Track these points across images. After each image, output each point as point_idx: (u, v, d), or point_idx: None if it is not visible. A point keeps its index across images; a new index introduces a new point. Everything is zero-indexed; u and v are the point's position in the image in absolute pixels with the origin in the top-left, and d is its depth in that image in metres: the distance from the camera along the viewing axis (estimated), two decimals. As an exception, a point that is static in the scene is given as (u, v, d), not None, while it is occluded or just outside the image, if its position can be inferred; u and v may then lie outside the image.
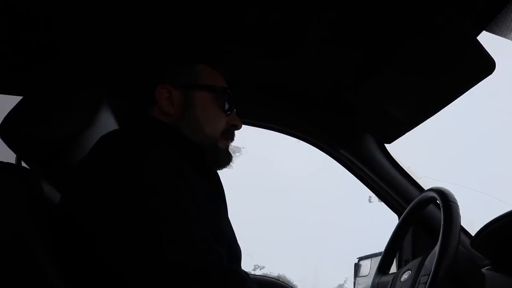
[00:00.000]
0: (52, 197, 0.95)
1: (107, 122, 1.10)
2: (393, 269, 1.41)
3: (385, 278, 1.29)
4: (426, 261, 1.10)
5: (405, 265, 1.24)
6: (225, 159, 1.10)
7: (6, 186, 0.85)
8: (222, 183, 1.10)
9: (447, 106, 1.25)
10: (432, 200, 1.21)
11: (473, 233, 1.23)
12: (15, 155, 1.11)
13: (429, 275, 0.97)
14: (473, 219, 1.49)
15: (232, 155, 1.12)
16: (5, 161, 0.93)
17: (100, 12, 1.18)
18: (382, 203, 1.76)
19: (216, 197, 1.03)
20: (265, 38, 1.27)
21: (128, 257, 0.77)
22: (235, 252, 1.01)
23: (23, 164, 1.09)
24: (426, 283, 0.97)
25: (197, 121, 1.05)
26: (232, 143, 1.14)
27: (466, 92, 1.16)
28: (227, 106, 1.09)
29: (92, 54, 1.37)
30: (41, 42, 1.30)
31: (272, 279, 1.87)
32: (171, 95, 1.05)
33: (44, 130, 0.97)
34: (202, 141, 1.04)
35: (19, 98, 1.02)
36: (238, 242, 1.05)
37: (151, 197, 0.80)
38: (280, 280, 1.88)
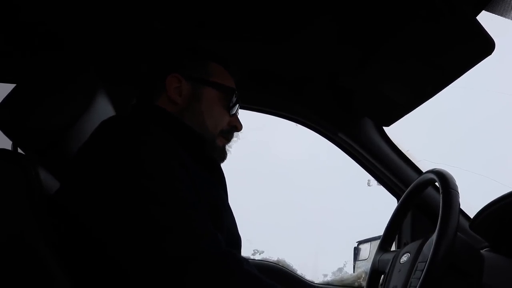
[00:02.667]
0: (49, 184, 0.94)
1: (103, 108, 1.09)
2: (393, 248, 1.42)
3: (386, 256, 1.30)
4: (424, 247, 1.10)
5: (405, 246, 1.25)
6: (220, 156, 1.12)
7: (2, 172, 0.84)
8: (223, 170, 1.11)
9: (446, 88, 1.25)
10: (431, 182, 1.21)
11: (472, 216, 1.22)
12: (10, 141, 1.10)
13: (426, 262, 0.97)
14: (472, 201, 1.49)
15: (228, 152, 1.15)
16: (1, 147, 0.92)
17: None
18: (381, 186, 1.76)
19: (216, 184, 1.03)
20: (264, 24, 1.25)
21: (125, 243, 0.77)
22: (235, 239, 1.01)
23: (19, 150, 1.08)
24: (422, 270, 0.97)
25: (201, 115, 1.07)
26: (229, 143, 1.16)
27: (468, 74, 1.15)
28: (232, 106, 1.12)
29: (90, 42, 1.35)
30: (35, 28, 1.28)
31: (272, 263, 1.88)
32: (180, 85, 1.08)
33: (39, 117, 0.97)
34: (202, 134, 1.06)
35: (11, 86, 1.01)
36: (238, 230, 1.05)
37: (150, 182, 0.80)
38: (280, 264, 1.89)
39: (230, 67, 1.15)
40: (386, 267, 1.25)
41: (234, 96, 1.12)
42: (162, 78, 1.07)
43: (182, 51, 1.14)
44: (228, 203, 1.05)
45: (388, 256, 1.28)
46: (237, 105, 1.14)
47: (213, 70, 1.12)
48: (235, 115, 1.15)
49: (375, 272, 1.33)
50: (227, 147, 1.15)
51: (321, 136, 1.71)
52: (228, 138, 1.14)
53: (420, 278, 0.96)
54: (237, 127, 1.14)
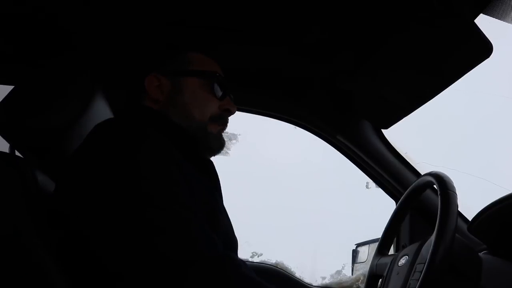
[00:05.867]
0: (47, 187, 0.94)
1: (101, 111, 1.09)
2: (392, 252, 1.42)
3: (383, 260, 1.29)
4: (423, 248, 1.10)
5: (403, 249, 1.25)
6: (216, 144, 1.09)
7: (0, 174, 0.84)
8: (218, 173, 1.10)
9: (444, 90, 1.25)
10: (429, 184, 1.21)
11: (470, 218, 1.22)
12: (8, 144, 1.10)
13: (424, 263, 0.97)
14: (470, 203, 1.49)
15: (227, 141, 1.12)
16: (-1, 150, 0.92)
17: (99, 3, 1.16)
18: (380, 189, 1.77)
19: (211, 186, 1.02)
20: (263, 26, 1.25)
21: (121, 246, 0.76)
22: (231, 242, 1.01)
23: (17, 153, 1.08)
24: (421, 271, 0.97)
25: (185, 107, 1.06)
26: (227, 130, 1.13)
27: (466, 76, 1.16)
28: (219, 90, 1.09)
29: (87, 44, 1.35)
30: (34, 31, 1.28)
31: (270, 266, 1.88)
32: (160, 83, 1.07)
33: (37, 119, 0.97)
34: (191, 125, 1.04)
35: (9, 88, 1.01)
36: (235, 232, 1.04)
37: (146, 185, 0.79)
38: (278, 266, 1.89)
39: (210, 51, 1.13)
40: (384, 271, 1.25)
41: (216, 79, 1.10)
42: (142, 80, 1.07)
43: (157, 49, 1.13)
44: (223, 206, 1.04)
45: (386, 260, 1.28)
46: (225, 87, 1.11)
47: (192, 59, 1.10)
48: (227, 98, 1.12)
49: (373, 276, 1.33)
50: (225, 138, 1.13)
51: (319, 139, 1.71)
52: (222, 123, 1.11)
53: (419, 279, 0.96)
54: (230, 109, 1.11)
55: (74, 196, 0.83)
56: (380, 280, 1.29)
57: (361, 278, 1.93)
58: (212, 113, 1.08)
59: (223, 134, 1.13)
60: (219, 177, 1.11)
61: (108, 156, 0.82)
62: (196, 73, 1.08)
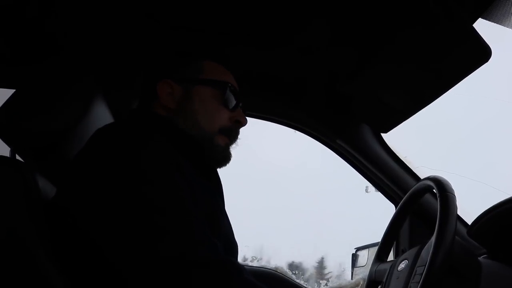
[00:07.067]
0: (47, 191, 0.94)
1: (101, 114, 1.09)
2: (391, 257, 1.42)
3: (382, 266, 1.29)
4: (423, 251, 1.10)
5: (402, 254, 1.25)
6: (222, 157, 1.08)
7: (1, 178, 0.84)
8: (221, 178, 1.10)
9: (443, 95, 1.25)
10: (428, 189, 1.21)
11: (469, 222, 1.22)
12: (9, 148, 1.11)
13: (425, 266, 0.97)
14: (470, 208, 1.49)
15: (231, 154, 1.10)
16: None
17: (100, 4, 1.17)
18: (379, 193, 1.77)
19: (214, 192, 1.02)
20: (261, 29, 1.26)
21: (124, 248, 0.77)
22: (232, 246, 1.01)
23: (18, 157, 1.08)
24: (422, 274, 0.96)
25: (194, 115, 1.05)
26: (235, 143, 1.11)
27: (465, 80, 1.16)
28: (231, 101, 1.08)
29: (88, 47, 1.35)
30: (35, 34, 1.29)
31: (270, 270, 1.88)
32: (172, 90, 1.06)
33: (38, 123, 0.97)
34: (198, 135, 1.04)
35: (11, 91, 1.01)
36: (235, 238, 1.05)
37: (148, 188, 0.80)
38: (278, 271, 1.89)
39: (226, 61, 1.12)
40: (383, 277, 1.25)
41: (228, 89, 1.08)
42: (154, 86, 1.07)
43: (172, 55, 1.13)
44: (225, 210, 1.04)
45: (385, 266, 1.28)
46: (236, 98, 1.10)
47: (205, 67, 1.10)
48: (238, 110, 1.10)
49: (372, 282, 1.33)
50: (231, 148, 1.11)
51: (319, 142, 1.71)
52: (231, 136, 1.09)
53: (419, 282, 0.96)
54: (241, 121, 1.10)
55: (77, 200, 0.83)
56: (379, 286, 1.29)
57: (361, 283, 1.93)
58: (221, 124, 1.06)
59: (232, 147, 1.11)
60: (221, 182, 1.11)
61: (110, 160, 0.83)
62: (209, 82, 1.08)
